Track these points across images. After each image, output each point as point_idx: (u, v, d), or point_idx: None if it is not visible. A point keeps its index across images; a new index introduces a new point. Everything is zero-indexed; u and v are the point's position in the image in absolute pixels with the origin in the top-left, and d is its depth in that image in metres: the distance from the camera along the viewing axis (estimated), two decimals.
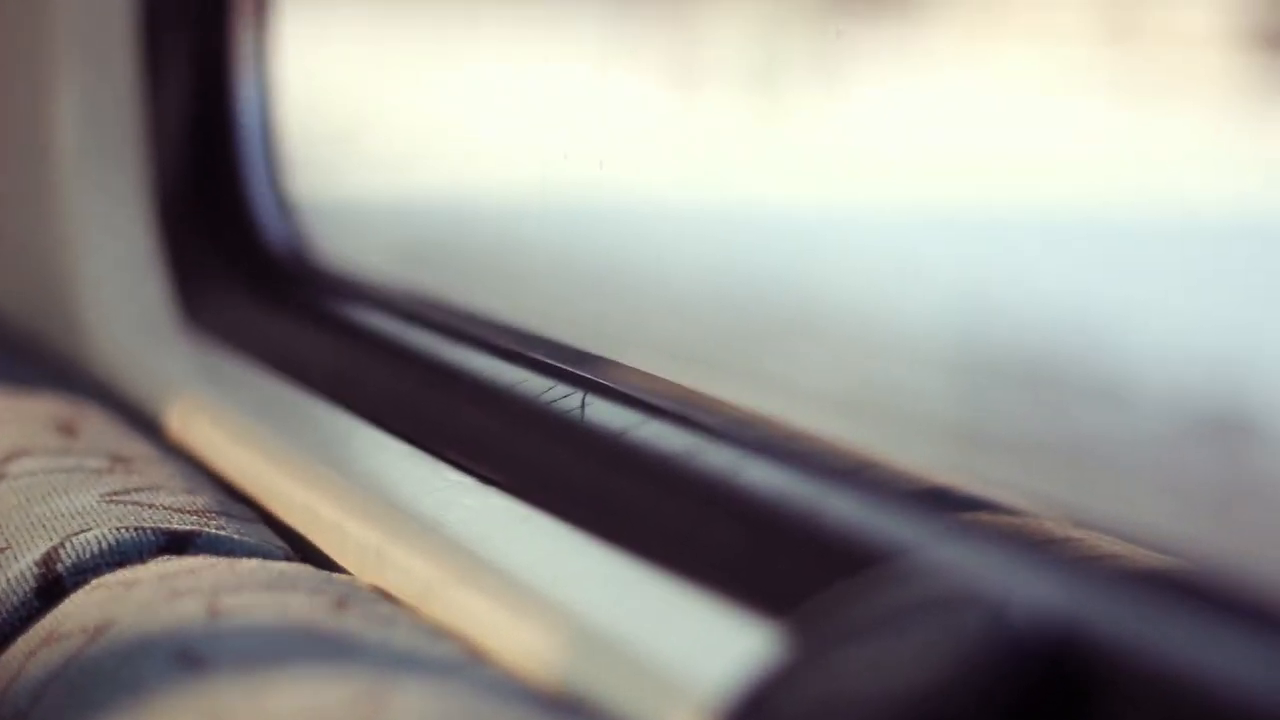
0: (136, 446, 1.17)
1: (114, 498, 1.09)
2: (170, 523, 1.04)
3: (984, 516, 0.77)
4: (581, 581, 0.85)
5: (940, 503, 0.79)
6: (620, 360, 1.06)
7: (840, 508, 0.81)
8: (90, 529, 1.04)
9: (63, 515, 1.07)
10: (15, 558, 1.04)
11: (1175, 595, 0.65)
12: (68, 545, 1.02)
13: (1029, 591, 0.62)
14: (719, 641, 0.75)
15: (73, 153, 1.31)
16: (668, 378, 1.01)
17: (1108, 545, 0.76)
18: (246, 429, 1.13)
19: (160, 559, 1.01)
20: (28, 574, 1.02)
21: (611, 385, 1.01)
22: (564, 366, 1.03)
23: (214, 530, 1.04)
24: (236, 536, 1.03)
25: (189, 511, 1.06)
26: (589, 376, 1.01)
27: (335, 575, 0.96)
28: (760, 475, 0.86)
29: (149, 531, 1.03)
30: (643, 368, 1.03)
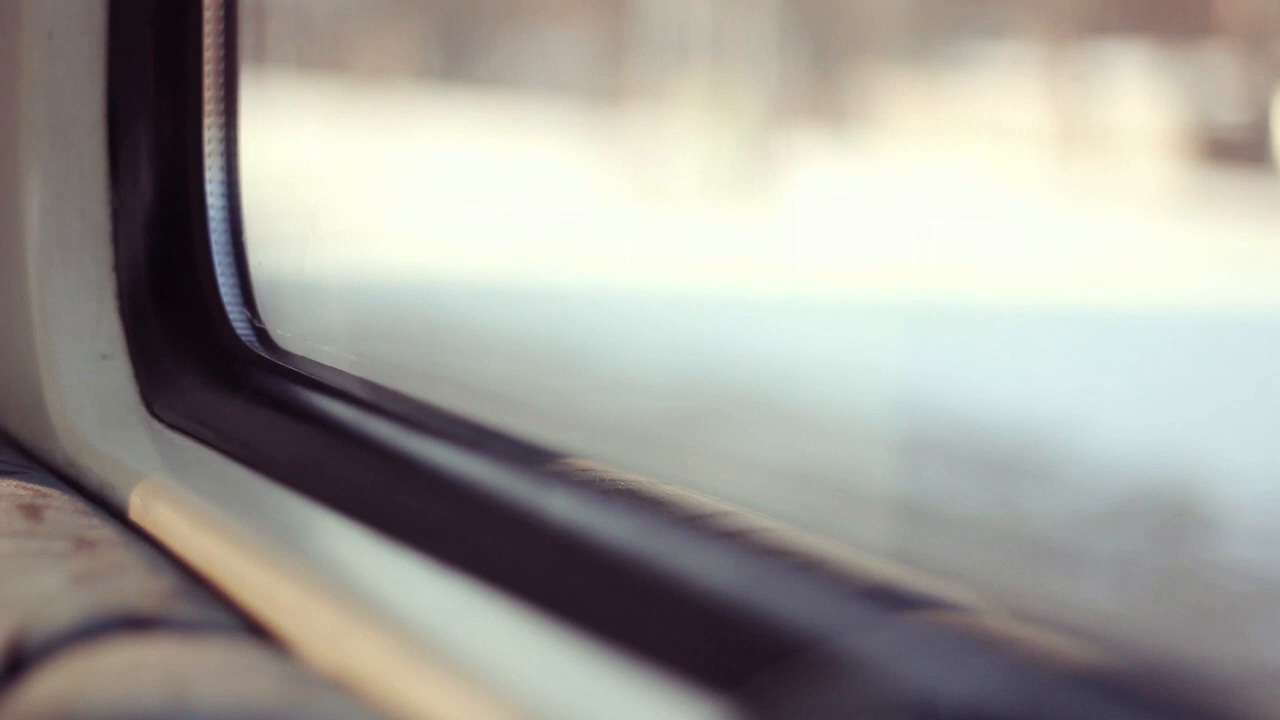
0: (100, 530, 1.18)
1: (77, 580, 1.10)
2: (133, 605, 1.06)
3: (923, 613, 0.79)
4: (534, 663, 0.88)
5: (882, 597, 0.81)
6: (570, 449, 1.08)
7: (785, 598, 0.83)
8: (54, 610, 1.05)
9: (27, 596, 1.08)
10: None
11: (1108, 696, 0.67)
12: (32, 625, 1.04)
13: (962, 689, 0.64)
14: None
15: (38, 242, 1.32)
16: (616, 467, 1.04)
17: (1043, 640, 0.78)
18: (208, 514, 1.15)
19: (122, 640, 1.02)
20: None
21: (562, 474, 1.04)
22: (517, 457, 1.05)
23: (175, 613, 1.05)
24: (198, 619, 1.04)
25: (151, 594, 1.08)
26: (541, 466, 1.03)
27: (294, 658, 0.98)
28: (710, 564, 0.89)
29: (112, 613, 1.04)
30: (592, 457, 1.06)
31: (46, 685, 0.98)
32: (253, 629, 1.03)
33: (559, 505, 0.99)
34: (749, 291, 10.52)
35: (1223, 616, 4.56)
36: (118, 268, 1.32)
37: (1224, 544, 5.25)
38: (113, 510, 1.23)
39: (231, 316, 1.31)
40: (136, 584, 1.09)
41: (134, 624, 1.04)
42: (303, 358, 1.29)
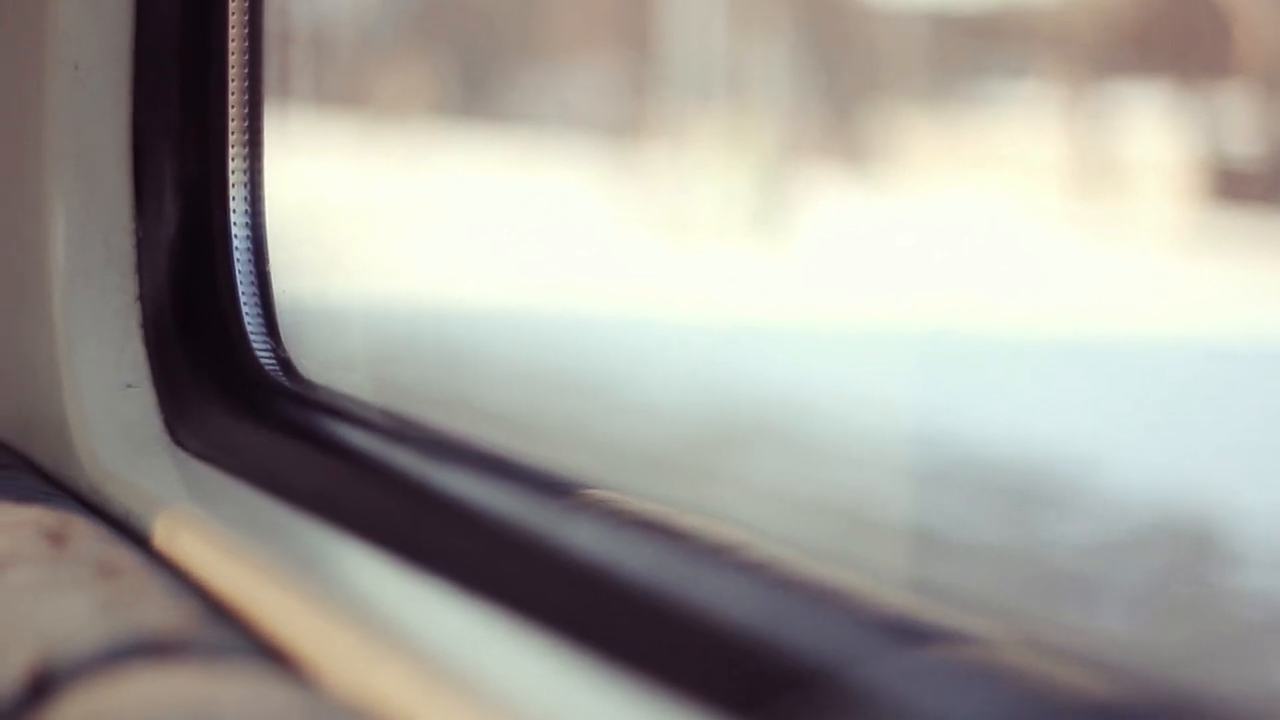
0: (123, 558, 1.19)
1: (101, 607, 1.11)
2: (156, 632, 1.06)
3: (937, 643, 0.79)
4: (555, 692, 0.88)
5: (896, 627, 0.82)
6: (590, 479, 1.09)
7: (801, 628, 0.84)
8: (78, 637, 1.06)
9: (51, 623, 1.09)
10: (4, 664, 1.06)
11: None
12: (56, 652, 1.05)
13: (976, 718, 0.65)
14: None
15: (63, 271, 1.33)
16: (636, 497, 1.05)
17: (1056, 671, 0.78)
18: (232, 542, 1.16)
19: (146, 668, 1.03)
20: (16, 681, 1.05)
21: (583, 504, 1.04)
22: (538, 486, 1.06)
23: (198, 640, 1.06)
24: (221, 647, 1.05)
25: (174, 622, 1.08)
26: (562, 496, 1.04)
27: (317, 686, 0.99)
28: (727, 594, 0.90)
29: (135, 641, 1.05)
30: (612, 486, 1.06)
31: (70, 712, 0.99)
32: (276, 657, 1.04)
33: (580, 535, 1.00)
34: (766, 323, 10.56)
35: (1235, 645, 4.56)
36: (142, 297, 1.33)
37: (1237, 572, 5.26)
38: (136, 538, 1.24)
39: (255, 346, 1.32)
40: (160, 612, 1.10)
41: (157, 651, 1.05)
42: (326, 387, 1.30)
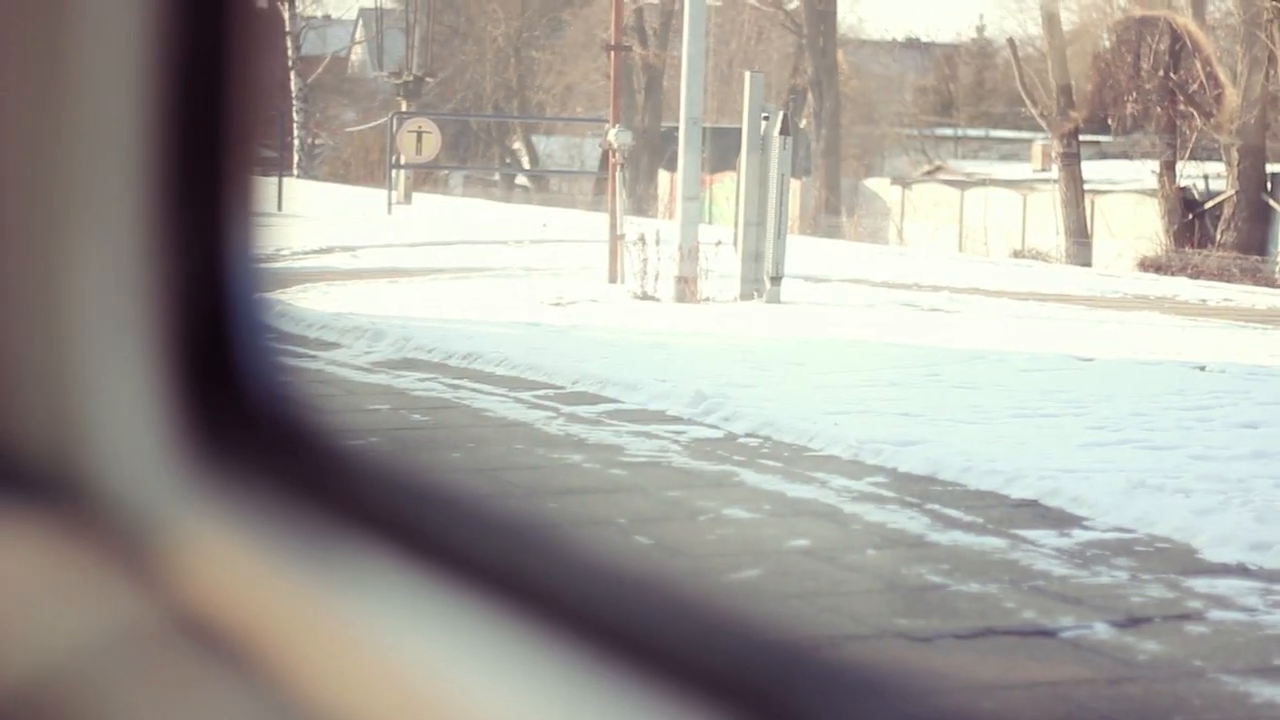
0: (131, 572, 1.20)
1: (106, 618, 1.13)
2: (160, 644, 1.08)
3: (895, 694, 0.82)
4: (555, 691, 0.91)
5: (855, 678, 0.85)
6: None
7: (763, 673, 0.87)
8: (81, 645, 1.08)
9: (56, 633, 1.10)
10: (4, 664, 1.08)
11: None
12: (58, 660, 1.07)
13: None
14: None
15: (71, 280, 1.35)
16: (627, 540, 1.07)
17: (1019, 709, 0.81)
18: (241, 556, 1.17)
19: (146, 667, 1.05)
20: (15, 680, 1.07)
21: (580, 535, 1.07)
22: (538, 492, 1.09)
23: (204, 653, 1.08)
24: (220, 648, 1.06)
25: (176, 624, 1.10)
26: (558, 528, 1.07)
27: (317, 700, 1.00)
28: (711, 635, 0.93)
29: (140, 651, 1.07)
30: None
31: (70, 712, 1.01)
32: (280, 667, 1.05)
33: (577, 538, 1.01)
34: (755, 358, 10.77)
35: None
36: (155, 314, 1.35)
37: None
38: (144, 553, 1.25)
39: (259, 353, 1.34)
40: (161, 614, 1.11)
41: (160, 661, 1.07)
42: (328, 395, 1.32)
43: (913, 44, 49.89)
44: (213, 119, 1.35)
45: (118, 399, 1.33)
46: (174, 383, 1.33)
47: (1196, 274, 25.12)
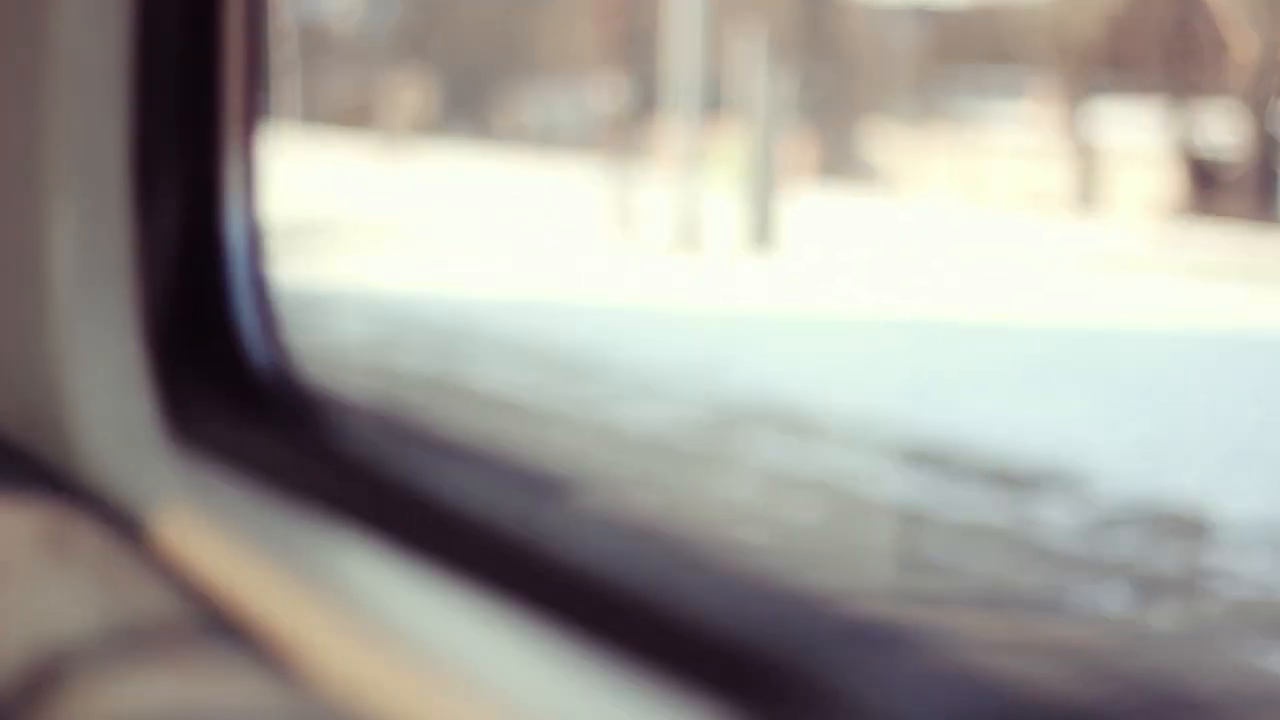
0: (120, 555, 1.20)
1: (97, 604, 1.12)
2: (151, 630, 1.08)
3: (913, 642, 0.82)
4: (555, 691, 0.90)
5: (870, 628, 0.84)
6: (583, 477, 1.11)
7: (779, 627, 0.87)
8: (73, 633, 1.07)
9: (47, 619, 1.10)
10: (3, 663, 1.08)
11: None
12: (51, 649, 1.06)
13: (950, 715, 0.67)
14: None
15: (64, 273, 1.35)
16: (625, 491, 1.07)
17: (1032, 668, 0.80)
18: (228, 540, 1.17)
19: (140, 664, 1.04)
20: (15, 679, 1.06)
21: (576, 504, 1.07)
22: (535, 490, 1.08)
23: (194, 638, 1.07)
24: (216, 644, 1.06)
25: (170, 619, 1.10)
26: (558, 501, 1.06)
27: (312, 684, 1.00)
28: (711, 594, 0.92)
29: (130, 638, 1.06)
30: (603, 481, 1.09)
31: (70, 711, 1.01)
32: (274, 654, 1.04)
33: (576, 533, 1.01)
34: (758, 321, 10.68)
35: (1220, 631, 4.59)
36: (141, 296, 1.35)
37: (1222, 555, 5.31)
38: (136, 536, 1.25)
39: (253, 345, 1.33)
40: (156, 609, 1.11)
41: (152, 648, 1.06)
42: (323, 386, 1.31)
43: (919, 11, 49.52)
44: (205, 71, 1.34)
45: (101, 377, 1.33)
46: (160, 359, 1.32)
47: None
